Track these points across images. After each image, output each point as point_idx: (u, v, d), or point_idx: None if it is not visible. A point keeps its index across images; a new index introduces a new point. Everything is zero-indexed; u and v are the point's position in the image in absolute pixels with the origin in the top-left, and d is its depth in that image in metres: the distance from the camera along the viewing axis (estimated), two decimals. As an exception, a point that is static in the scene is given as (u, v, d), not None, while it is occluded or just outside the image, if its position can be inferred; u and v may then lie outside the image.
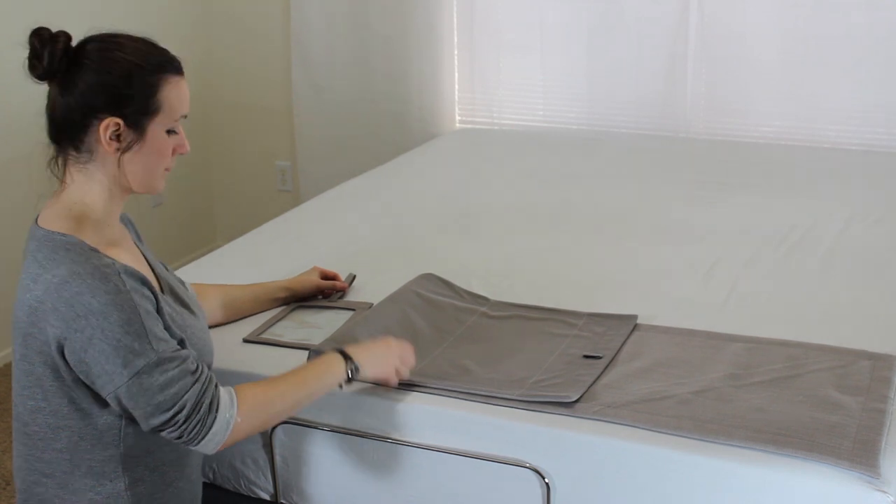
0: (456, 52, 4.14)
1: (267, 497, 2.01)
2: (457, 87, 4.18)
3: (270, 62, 4.43)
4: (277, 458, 1.97)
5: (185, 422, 1.59)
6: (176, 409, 1.58)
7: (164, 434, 1.61)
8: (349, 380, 1.79)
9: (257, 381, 1.73)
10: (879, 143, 3.61)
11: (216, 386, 1.64)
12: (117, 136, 1.63)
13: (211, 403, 1.62)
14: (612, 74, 3.94)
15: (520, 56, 4.07)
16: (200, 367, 1.64)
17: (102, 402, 1.64)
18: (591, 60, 3.96)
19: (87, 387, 1.63)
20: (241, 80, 4.50)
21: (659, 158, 3.55)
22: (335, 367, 1.78)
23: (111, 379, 1.57)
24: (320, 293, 2.29)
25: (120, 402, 1.60)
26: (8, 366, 3.57)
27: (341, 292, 2.31)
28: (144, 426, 1.61)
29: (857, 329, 2.11)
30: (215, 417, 1.61)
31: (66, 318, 1.56)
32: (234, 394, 1.66)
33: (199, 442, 1.62)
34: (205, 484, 2.03)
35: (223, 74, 4.51)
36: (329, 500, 1.96)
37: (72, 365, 1.59)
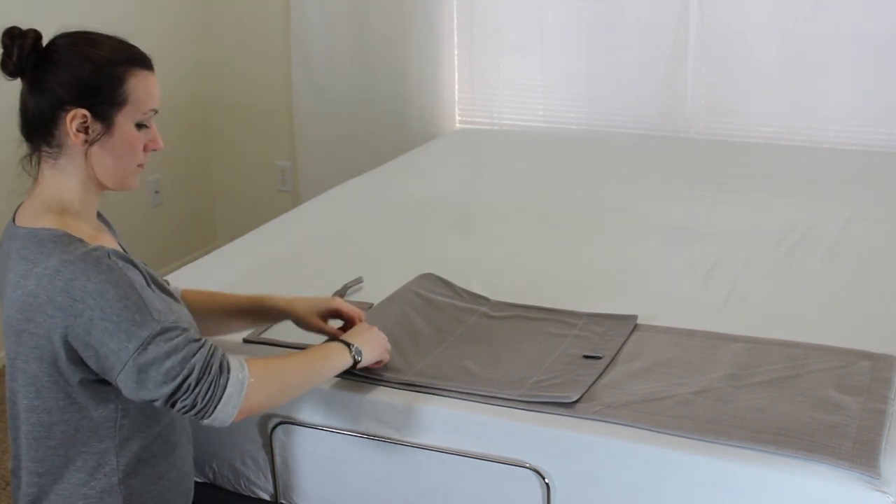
0: (456, 52, 4.14)
1: (267, 497, 2.01)
2: (457, 87, 4.18)
3: (270, 62, 4.43)
4: (277, 458, 1.97)
5: (196, 385, 1.58)
6: (185, 372, 1.57)
7: (177, 407, 1.59)
8: (354, 364, 1.81)
9: (263, 357, 1.73)
10: (879, 144, 3.61)
11: (224, 353, 1.64)
12: (85, 129, 1.63)
13: (221, 365, 1.61)
14: (612, 74, 3.94)
15: (520, 56, 4.07)
16: (203, 337, 1.64)
17: (99, 399, 1.64)
18: (591, 60, 3.95)
19: (84, 382, 1.62)
20: (241, 80, 4.50)
21: (659, 158, 3.56)
22: (340, 351, 1.81)
23: (119, 356, 1.56)
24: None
25: (129, 383, 1.58)
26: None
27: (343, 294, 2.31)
28: (159, 400, 1.59)
29: (857, 329, 2.12)
30: (228, 378, 1.60)
31: (64, 306, 1.56)
32: (242, 359, 1.66)
33: (214, 408, 1.59)
34: (205, 484, 2.04)
35: (223, 74, 4.51)
36: (329, 500, 1.96)
37: (80, 352, 1.59)
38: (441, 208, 3.03)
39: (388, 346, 1.92)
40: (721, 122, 3.84)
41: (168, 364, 1.57)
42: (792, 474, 1.63)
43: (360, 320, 1.96)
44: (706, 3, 3.73)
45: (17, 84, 1.67)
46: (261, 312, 2.01)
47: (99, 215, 1.76)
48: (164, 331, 1.58)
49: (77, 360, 1.61)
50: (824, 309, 2.24)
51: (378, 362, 1.90)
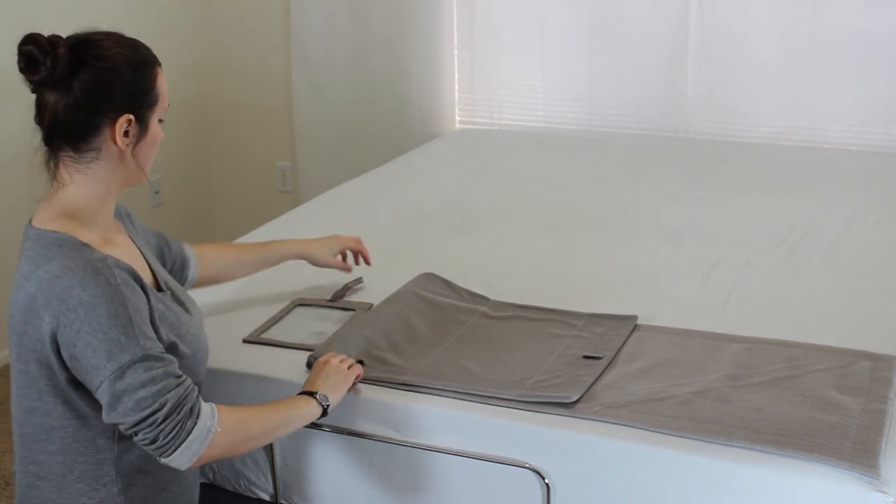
0: (456, 52, 4.14)
1: (267, 497, 2.01)
2: (457, 87, 4.18)
3: (270, 62, 4.43)
4: (277, 459, 1.97)
5: (163, 421, 1.56)
6: (156, 406, 1.55)
7: (138, 437, 1.57)
8: (325, 411, 1.78)
9: (234, 405, 1.72)
10: (879, 144, 3.61)
11: (198, 396, 1.62)
12: (126, 133, 1.64)
13: (192, 409, 1.59)
14: (612, 74, 3.94)
15: (520, 56, 4.06)
16: (184, 375, 1.63)
17: (97, 405, 1.63)
18: (591, 60, 3.95)
19: (81, 388, 1.62)
20: (241, 80, 4.50)
21: (659, 158, 3.56)
22: (307, 402, 1.77)
23: (97, 373, 1.56)
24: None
25: (102, 401, 1.57)
26: (7, 366, 3.56)
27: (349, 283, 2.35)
28: (123, 425, 1.58)
29: (857, 329, 2.12)
30: (195, 423, 1.58)
31: (57, 313, 1.55)
32: (214, 407, 1.64)
33: (174, 449, 1.57)
34: (205, 484, 2.04)
35: (223, 74, 4.51)
36: (329, 500, 1.96)
37: (65, 360, 1.59)
38: (441, 208, 3.03)
39: (343, 363, 1.87)
40: (721, 122, 3.84)
41: (142, 394, 1.55)
42: (792, 474, 1.63)
43: (366, 253, 2.34)
44: (706, 3, 3.73)
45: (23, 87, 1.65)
46: (278, 258, 2.25)
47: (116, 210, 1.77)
48: (145, 358, 1.57)
49: (66, 366, 1.61)
50: (824, 309, 2.24)
51: (357, 376, 1.88)
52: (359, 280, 2.37)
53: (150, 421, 1.56)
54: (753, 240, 2.66)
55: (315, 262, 2.30)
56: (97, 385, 1.57)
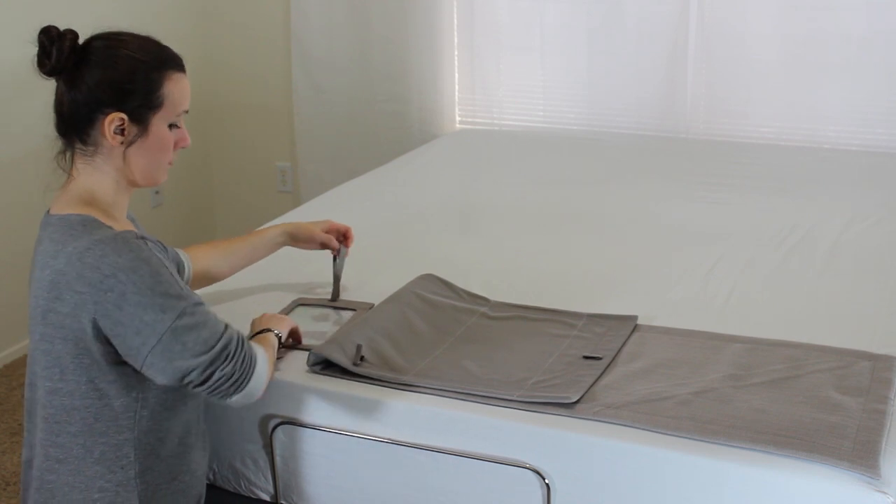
0: (456, 52, 4.14)
1: (267, 498, 2.01)
2: (457, 87, 4.18)
3: (270, 62, 4.43)
4: (277, 459, 1.97)
5: (234, 352, 1.65)
6: (224, 340, 1.65)
7: (214, 378, 1.64)
8: (279, 341, 1.92)
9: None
10: (879, 145, 3.62)
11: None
12: (121, 131, 1.68)
13: (248, 342, 1.72)
14: (612, 75, 3.94)
15: (520, 56, 4.07)
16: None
17: (121, 385, 1.66)
18: (591, 61, 3.96)
19: (109, 364, 1.65)
20: (241, 80, 4.50)
21: (659, 159, 3.56)
22: (270, 336, 1.90)
23: (153, 329, 1.59)
24: (322, 247, 2.31)
25: (162, 358, 1.61)
26: (8, 366, 3.57)
27: (342, 250, 2.34)
28: (195, 370, 1.63)
29: (857, 330, 2.12)
30: (255, 352, 1.71)
31: (94, 282, 1.59)
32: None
33: (247, 379, 1.68)
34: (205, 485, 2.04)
35: (223, 74, 4.51)
36: (329, 500, 1.97)
37: (108, 331, 1.61)
38: (441, 208, 3.03)
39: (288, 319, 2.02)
40: (721, 122, 3.85)
41: (205, 334, 1.63)
42: (792, 475, 1.63)
43: (350, 235, 2.32)
44: (706, 3, 3.73)
45: (48, 85, 1.69)
46: (268, 242, 2.27)
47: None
48: (198, 303, 1.65)
49: (104, 338, 1.63)
50: (824, 309, 2.24)
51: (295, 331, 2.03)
52: (342, 249, 2.34)
53: (224, 354, 1.64)
54: (754, 240, 2.67)
55: (301, 237, 2.29)
56: (154, 342, 1.60)
